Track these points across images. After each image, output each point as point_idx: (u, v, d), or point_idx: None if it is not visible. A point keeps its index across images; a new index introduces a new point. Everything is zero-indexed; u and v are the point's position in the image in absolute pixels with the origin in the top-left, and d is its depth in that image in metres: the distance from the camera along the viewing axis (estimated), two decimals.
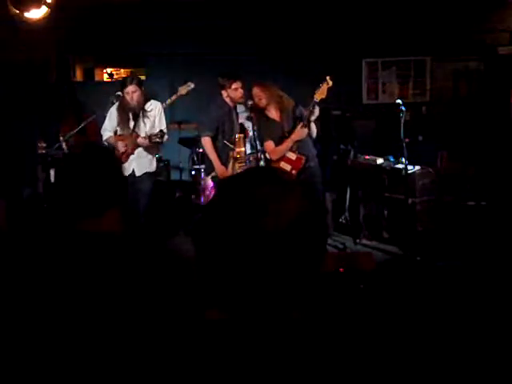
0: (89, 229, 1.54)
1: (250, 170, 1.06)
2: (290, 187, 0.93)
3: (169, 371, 0.90)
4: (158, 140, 4.75)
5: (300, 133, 4.61)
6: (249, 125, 5.55)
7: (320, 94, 4.53)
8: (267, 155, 4.93)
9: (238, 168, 5.06)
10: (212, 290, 0.91)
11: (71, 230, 1.57)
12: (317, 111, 4.69)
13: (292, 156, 4.69)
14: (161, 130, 4.79)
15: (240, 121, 5.43)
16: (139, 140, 4.83)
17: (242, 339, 0.89)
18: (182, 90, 5.29)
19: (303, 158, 4.66)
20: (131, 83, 4.82)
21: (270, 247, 0.87)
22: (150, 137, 4.76)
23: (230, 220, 0.88)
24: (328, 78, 4.52)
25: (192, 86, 5.31)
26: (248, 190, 0.90)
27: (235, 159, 5.08)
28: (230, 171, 5.06)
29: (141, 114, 4.90)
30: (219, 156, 5.02)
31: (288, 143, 4.68)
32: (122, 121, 4.93)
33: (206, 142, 5.01)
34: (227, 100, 5.03)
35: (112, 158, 1.75)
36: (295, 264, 0.88)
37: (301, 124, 4.61)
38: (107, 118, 5.03)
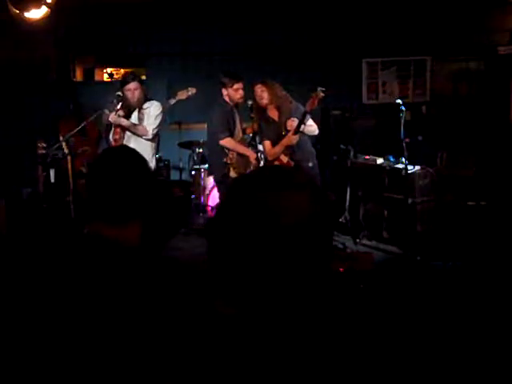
0: (108, 236, 1.49)
1: (261, 169, 1.06)
2: (301, 187, 0.94)
3: (176, 365, 0.91)
4: (128, 122, 4.79)
5: (290, 139, 4.65)
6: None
7: (310, 104, 4.54)
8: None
9: (234, 172, 4.99)
10: (223, 286, 0.92)
11: (90, 235, 1.52)
12: (309, 121, 4.73)
13: (284, 159, 4.75)
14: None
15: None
16: (111, 117, 4.81)
17: (249, 334, 0.89)
18: (182, 95, 5.26)
19: (292, 163, 4.71)
20: (133, 80, 4.83)
21: (281, 245, 0.88)
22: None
23: (243, 218, 0.89)
24: (319, 89, 4.52)
25: (193, 91, 5.28)
26: (260, 189, 0.91)
27: (230, 164, 5.02)
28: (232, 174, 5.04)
29: (136, 112, 4.90)
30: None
31: (280, 147, 4.74)
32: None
33: (227, 141, 4.94)
34: (226, 99, 5.02)
35: (146, 168, 1.68)
36: (305, 262, 0.89)
37: (291, 131, 4.64)
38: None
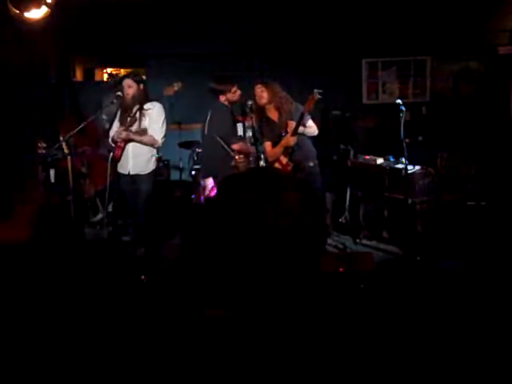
0: None
1: (251, 170, 1.07)
2: (289, 187, 0.93)
3: (170, 366, 0.91)
4: (133, 127, 4.76)
5: (288, 140, 4.69)
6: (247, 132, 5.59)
7: (307, 106, 4.57)
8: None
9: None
10: (213, 287, 0.92)
11: None
12: (309, 122, 4.73)
13: (283, 160, 4.76)
14: (144, 129, 4.80)
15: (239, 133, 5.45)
16: (124, 134, 4.84)
17: (242, 335, 0.89)
18: (169, 91, 5.25)
19: (291, 164, 4.73)
20: (127, 77, 4.90)
21: (270, 245, 0.88)
22: (134, 131, 4.79)
23: (231, 218, 0.89)
24: (316, 91, 4.53)
25: (179, 85, 5.24)
26: (249, 189, 0.91)
27: (237, 166, 5.03)
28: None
29: (138, 112, 4.90)
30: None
31: (279, 148, 4.77)
32: (121, 117, 4.95)
33: (240, 145, 4.96)
34: (225, 103, 5.03)
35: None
36: (294, 261, 0.89)
37: (289, 133, 4.65)
38: (115, 122, 5.07)
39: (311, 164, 4.83)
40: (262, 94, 4.78)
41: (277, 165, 4.81)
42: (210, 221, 0.95)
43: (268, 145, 4.87)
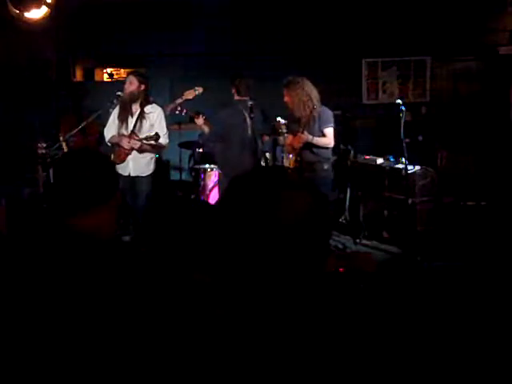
0: (76, 225, 1.54)
1: (260, 169, 1.08)
2: (298, 186, 0.95)
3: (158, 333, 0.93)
4: (152, 142, 4.75)
5: (290, 139, 4.78)
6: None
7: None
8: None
9: None
10: (218, 280, 0.93)
11: (58, 227, 1.58)
12: (326, 129, 4.82)
13: (291, 158, 4.81)
14: (156, 133, 4.76)
15: None
16: (132, 141, 4.83)
17: (240, 331, 0.90)
18: (189, 95, 5.27)
19: (297, 164, 4.80)
20: (131, 74, 4.96)
21: (276, 243, 0.88)
22: (144, 138, 4.77)
23: (242, 213, 0.90)
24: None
25: (200, 90, 5.28)
26: (258, 187, 0.92)
27: None
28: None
29: (138, 114, 4.89)
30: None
31: (289, 145, 4.87)
32: (121, 119, 4.94)
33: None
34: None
35: (103, 157, 1.76)
36: (299, 259, 0.90)
37: (290, 136, 4.74)
38: (111, 119, 5.03)
39: (326, 167, 4.86)
40: (287, 100, 4.86)
41: (285, 161, 4.96)
42: (221, 213, 0.95)
43: (289, 138, 4.93)
